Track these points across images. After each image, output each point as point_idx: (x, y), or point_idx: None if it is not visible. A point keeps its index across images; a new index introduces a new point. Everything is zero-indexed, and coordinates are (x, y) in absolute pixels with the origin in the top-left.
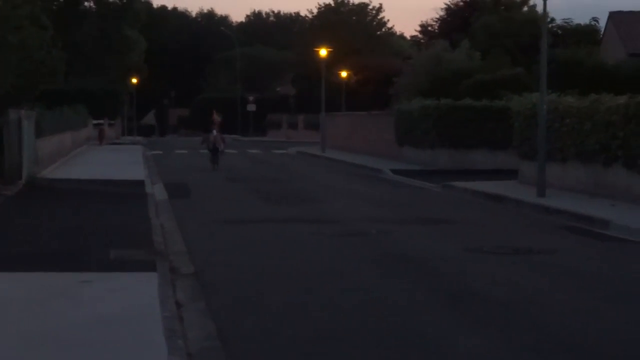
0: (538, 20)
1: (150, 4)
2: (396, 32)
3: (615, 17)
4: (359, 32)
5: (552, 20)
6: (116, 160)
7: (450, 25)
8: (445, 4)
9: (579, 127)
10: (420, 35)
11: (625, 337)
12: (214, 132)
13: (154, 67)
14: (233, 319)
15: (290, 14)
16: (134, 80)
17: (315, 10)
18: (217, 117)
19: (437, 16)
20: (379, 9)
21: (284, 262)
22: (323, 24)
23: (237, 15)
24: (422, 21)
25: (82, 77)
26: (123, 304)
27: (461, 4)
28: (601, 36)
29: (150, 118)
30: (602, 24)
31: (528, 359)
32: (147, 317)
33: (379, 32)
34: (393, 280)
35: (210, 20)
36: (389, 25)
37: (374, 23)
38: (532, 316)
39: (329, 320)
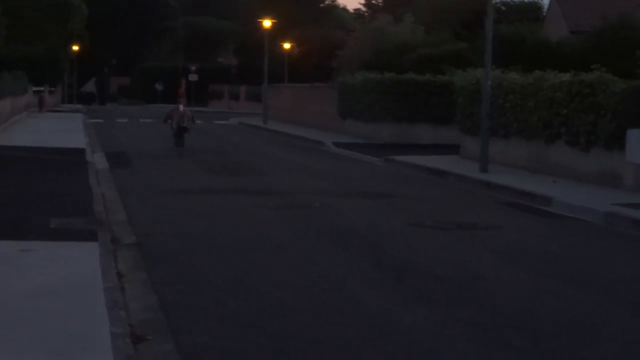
0: None
1: None
2: (340, 5)
3: None
4: (303, 3)
5: None
6: (56, 128)
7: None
8: None
9: (522, 103)
10: (364, 9)
11: (569, 313)
12: (181, 106)
13: (95, 34)
14: (176, 290)
15: None
16: (75, 48)
17: None
18: (182, 91)
19: None
20: None
21: (228, 234)
22: None
23: None
24: None
25: (23, 43)
26: (64, 274)
27: None
28: (545, 13)
29: (90, 86)
30: (546, 0)
31: (473, 335)
32: (88, 287)
33: (322, 5)
34: (338, 254)
35: None
36: None
37: None
38: (476, 292)
39: (273, 293)
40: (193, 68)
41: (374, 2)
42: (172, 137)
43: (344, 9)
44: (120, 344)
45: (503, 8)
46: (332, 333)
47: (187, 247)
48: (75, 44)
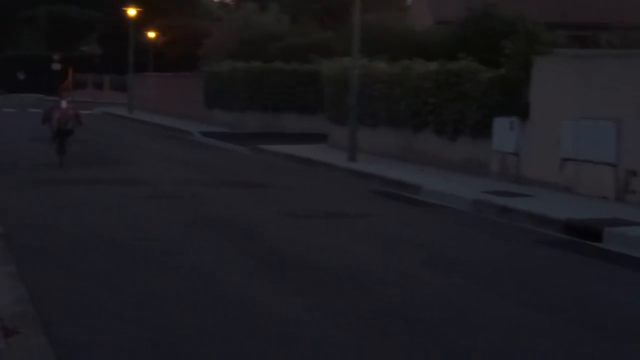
0: None
1: None
2: None
3: None
4: None
5: None
6: None
7: None
8: None
9: (390, 92)
10: None
11: (442, 301)
12: (64, 102)
13: None
14: (46, 283)
15: None
16: None
17: None
18: (68, 83)
19: None
20: None
21: (97, 225)
22: None
23: None
24: None
25: None
26: None
27: None
28: (409, 3)
29: None
30: None
31: (351, 324)
32: None
33: None
34: (210, 245)
35: None
36: None
37: None
38: (351, 281)
39: (145, 284)
40: (56, 57)
41: None
42: (52, 142)
43: None
44: None
45: None
46: (209, 324)
47: (55, 238)
48: None
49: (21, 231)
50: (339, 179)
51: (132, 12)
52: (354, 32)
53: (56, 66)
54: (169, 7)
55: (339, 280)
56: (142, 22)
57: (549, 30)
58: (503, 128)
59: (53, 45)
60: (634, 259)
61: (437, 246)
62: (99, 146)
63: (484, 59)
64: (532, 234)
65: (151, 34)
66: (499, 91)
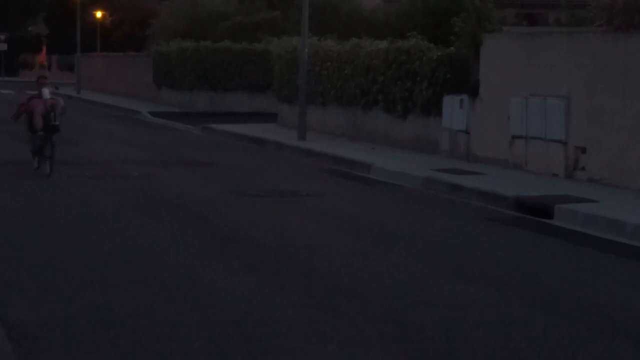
0: None
1: None
2: None
3: None
4: None
5: None
6: None
7: None
8: None
9: (339, 71)
10: None
11: (394, 279)
12: (46, 92)
13: None
14: None
15: None
16: None
17: None
18: (43, 63)
19: None
20: None
21: (43, 206)
22: None
23: None
24: None
25: None
26: None
27: None
28: None
29: None
30: None
31: (302, 303)
32: None
33: None
34: (159, 225)
35: None
36: None
37: None
38: (303, 259)
39: (95, 265)
40: (2, 37)
41: None
42: (29, 142)
43: None
44: None
45: None
46: (159, 305)
47: None
48: None
49: None
50: (289, 158)
51: None
52: (302, 11)
53: (2, 46)
54: None
55: (290, 259)
56: (89, 2)
57: (498, 8)
58: (452, 106)
59: None
60: (584, 235)
61: (388, 224)
62: None
63: (433, 37)
64: (482, 211)
65: (98, 14)
66: (448, 69)
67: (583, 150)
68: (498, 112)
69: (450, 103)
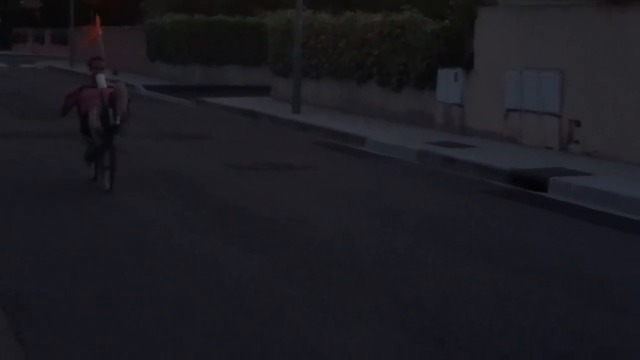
0: None
1: None
2: None
3: None
4: None
5: None
6: None
7: None
8: None
9: (334, 44)
10: None
11: (389, 252)
12: (103, 79)
13: None
14: None
15: None
16: None
17: None
18: (96, 37)
19: None
20: None
21: (39, 177)
22: None
23: None
24: None
25: None
26: None
27: None
28: None
29: None
30: None
31: (300, 276)
32: None
33: None
34: (154, 198)
35: None
36: None
37: None
38: (299, 233)
39: (91, 242)
40: None
41: None
42: (88, 150)
43: None
44: None
45: None
46: (161, 282)
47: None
48: None
49: None
50: (283, 131)
51: None
52: None
53: None
54: None
55: (286, 232)
56: None
57: None
58: (447, 80)
59: None
60: (578, 208)
61: (383, 197)
62: (41, 100)
63: (428, 11)
64: (478, 184)
65: None
66: (443, 43)
67: (578, 124)
68: (493, 86)
69: (445, 77)
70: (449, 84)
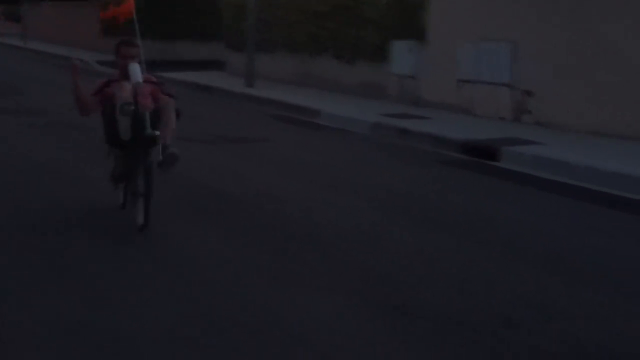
0: None
1: None
2: None
3: None
4: None
5: None
6: None
7: None
8: None
9: (288, 18)
10: None
11: (350, 224)
12: (138, 72)
13: None
14: None
15: None
16: None
17: None
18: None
19: None
20: None
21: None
22: None
23: None
24: None
25: None
26: None
27: None
28: None
29: None
30: None
31: (264, 251)
32: None
33: None
34: (106, 171)
35: None
36: None
37: None
38: (256, 207)
39: (49, 213)
40: None
41: None
42: (115, 167)
43: None
44: None
45: None
46: (117, 250)
47: None
48: None
49: None
50: (237, 105)
51: None
52: None
53: None
54: None
55: (243, 206)
56: None
57: None
58: (401, 51)
59: None
60: (531, 177)
61: (339, 169)
62: None
63: None
64: (431, 155)
65: None
66: (397, 14)
67: (529, 94)
68: (446, 57)
69: (399, 48)
70: (402, 55)
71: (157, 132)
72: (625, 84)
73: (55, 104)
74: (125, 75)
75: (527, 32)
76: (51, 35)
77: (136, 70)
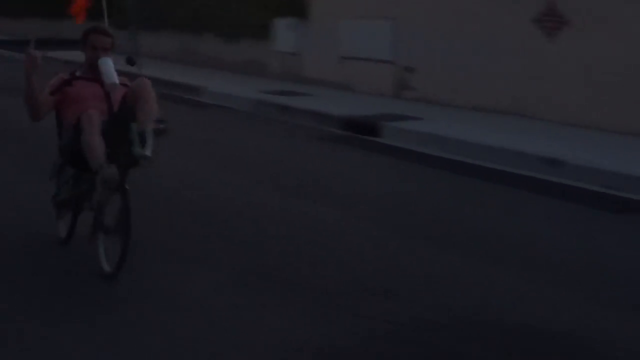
0: None
1: None
2: None
3: None
4: None
5: None
6: None
7: None
8: None
9: None
10: None
11: (238, 200)
12: (111, 70)
13: None
14: None
15: None
16: None
17: None
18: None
19: None
20: None
21: None
22: None
23: None
24: None
25: None
26: None
27: None
28: None
29: None
30: None
31: (164, 229)
32: None
33: None
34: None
35: None
36: None
37: None
38: (151, 186)
39: None
40: None
41: None
42: (60, 188)
43: None
44: None
45: None
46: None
47: None
48: None
49: None
50: None
51: None
52: None
53: None
54: None
55: (134, 185)
56: None
57: None
58: (284, 29)
59: None
60: (411, 152)
61: (224, 147)
62: None
63: None
64: (313, 131)
65: None
66: None
67: (410, 70)
68: (328, 34)
69: (281, 26)
70: (285, 33)
71: (148, 153)
72: (496, 62)
73: None
74: (94, 72)
75: (408, 9)
76: None
77: (110, 68)
